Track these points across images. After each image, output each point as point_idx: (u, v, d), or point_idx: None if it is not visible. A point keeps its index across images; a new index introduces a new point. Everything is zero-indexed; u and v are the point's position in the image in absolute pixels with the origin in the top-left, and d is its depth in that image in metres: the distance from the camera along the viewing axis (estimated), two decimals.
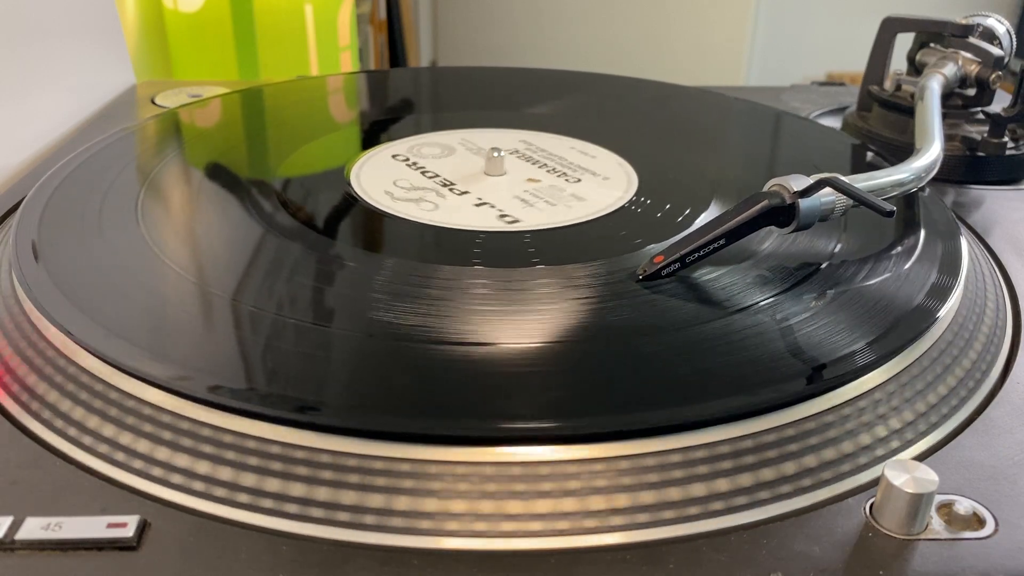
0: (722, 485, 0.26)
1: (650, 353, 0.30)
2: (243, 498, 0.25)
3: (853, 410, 0.28)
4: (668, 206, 0.42)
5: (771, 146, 0.54)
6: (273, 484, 0.25)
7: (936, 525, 0.25)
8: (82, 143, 0.49)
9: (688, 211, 0.41)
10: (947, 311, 0.33)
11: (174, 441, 0.26)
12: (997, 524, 0.25)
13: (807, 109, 0.63)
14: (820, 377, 0.29)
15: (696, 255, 0.34)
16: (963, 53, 0.52)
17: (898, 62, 0.56)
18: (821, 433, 0.28)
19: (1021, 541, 0.24)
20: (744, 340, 0.30)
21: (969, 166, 0.51)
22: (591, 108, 0.58)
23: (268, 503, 0.25)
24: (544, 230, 0.39)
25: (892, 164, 0.41)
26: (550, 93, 0.61)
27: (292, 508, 0.25)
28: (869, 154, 0.51)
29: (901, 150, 0.49)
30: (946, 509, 0.25)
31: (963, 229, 0.40)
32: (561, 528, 0.25)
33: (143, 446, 0.27)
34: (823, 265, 0.36)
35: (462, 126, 0.53)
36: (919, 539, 0.24)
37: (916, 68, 0.55)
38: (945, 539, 0.24)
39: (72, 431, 0.28)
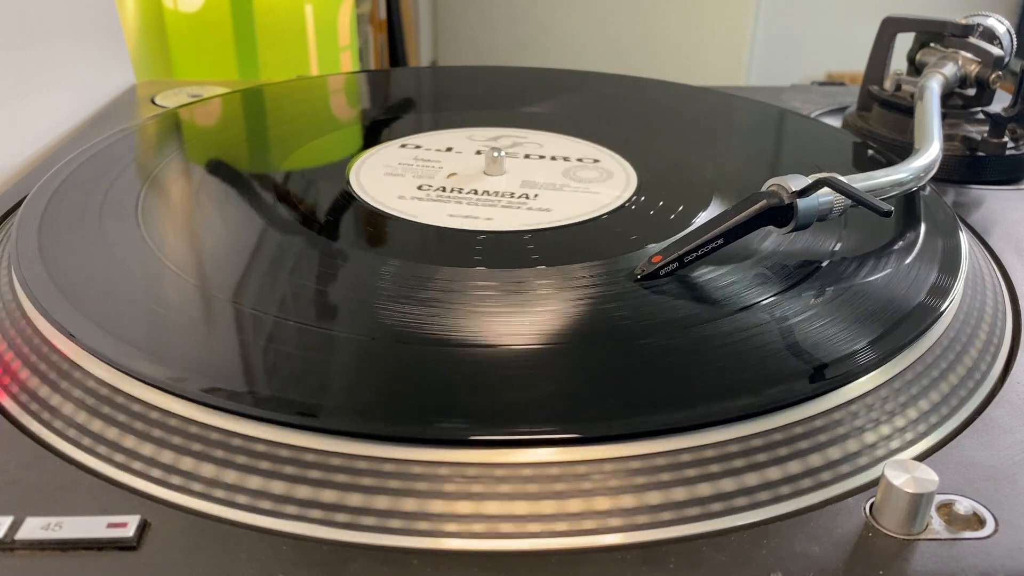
0: (723, 485, 0.26)
1: (649, 354, 0.30)
2: (243, 499, 0.25)
3: (853, 410, 0.28)
4: (668, 205, 0.42)
5: (771, 145, 0.54)
6: (274, 485, 0.25)
7: (936, 525, 0.25)
8: (82, 143, 0.49)
9: (688, 210, 0.41)
10: (947, 311, 0.33)
11: (174, 442, 0.26)
12: (997, 524, 0.25)
13: (807, 109, 0.63)
14: (820, 377, 0.29)
15: (694, 255, 0.34)
16: (963, 53, 0.52)
17: (898, 62, 0.56)
18: (821, 433, 0.28)
19: (1021, 541, 0.24)
20: (744, 340, 0.30)
21: (969, 166, 0.51)
22: (591, 107, 0.58)
23: (269, 504, 0.25)
24: (544, 229, 0.39)
25: (892, 164, 0.41)
26: (550, 93, 0.61)
27: (292, 509, 0.25)
28: (869, 152, 0.51)
29: (901, 150, 0.49)
30: (946, 509, 0.25)
31: (963, 229, 0.40)
32: (562, 529, 0.25)
33: (143, 447, 0.27)
34: (823, 264, 0.36)
35: (462, 125, 0.53)
36: (919, 539, 0.24)
37: (916, 68, 0.55)
38: (945, 539, 0.24)
39: (72, 431, 0.28)
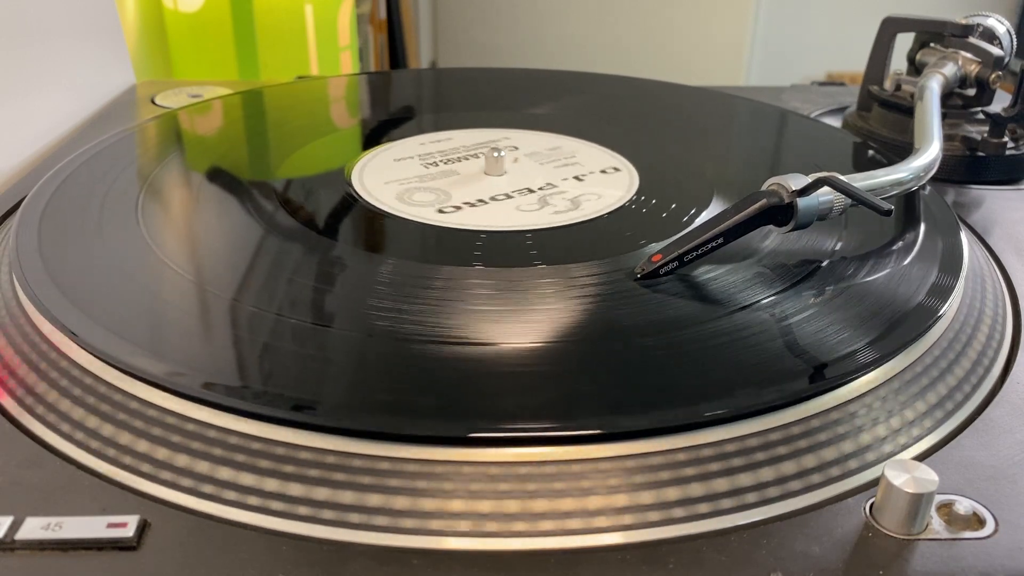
0: (722, 485, 0.26)
1: (649, 353, 0.30)
2: (243, 498, 0.25)
3: (853, 410, 0.28)
4: (669, 205, 0.42)
5: (772, 145, 0.54)
6: (273, 484, 0.25)
7: (936, 525, 0.25)
8: (82, 143, 0.49)
9: (688, 210, 0.41)
10: (947, 311, 0.33)
11: (174, 441, 0.26)
12: (997, 524, 0.25)
13: (807, 109, 0.63)
14: (820, 377, 0.29)
15: (694, 254, 0.34)
16: (963, 53, 0.52)
17: (898, 62, 0.56)
18: (821, 433, 0.28)
19: (1021, 541, 0.24)
20: (743, 339, 0.30)
21: (969, 166, 0.51)
22: (591, 108, 0.58)
23: (268, 503, 0.25)
24: (544, 229, 0.39)
25: (892, 163, 0.41)
26: (550, 93, 0.61)
27: (292, 508, 0.25)
28: (869, 152, 0.51)
29: (901, 150, 0.49)
30: (946, 509, 0.25)
31: (963, 229, 0.40)
32: (561, 528, 0.25)
33: (143, 445, 0.27)
34: (823, 263, 0.36)
35: (462, 126, 0.53)
36: (919, 539, 0.24)
37: (916, 68, 0.55)
38: (945, 539, 0.24)
39: (72, 431, 0.28)
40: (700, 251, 0.34)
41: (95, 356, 0.29)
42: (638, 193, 0.43)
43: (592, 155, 0.49)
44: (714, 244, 0.34)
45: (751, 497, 0.26)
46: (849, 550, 0.24)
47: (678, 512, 0.25)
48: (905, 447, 0.28)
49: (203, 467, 0.26)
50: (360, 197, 0.42)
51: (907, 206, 0.42)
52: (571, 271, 0.35)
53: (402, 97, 0.63)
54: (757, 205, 0.35)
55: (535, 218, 0.40)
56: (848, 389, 0.29)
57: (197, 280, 0.34)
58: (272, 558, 0.23)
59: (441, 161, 0.47)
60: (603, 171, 0.46)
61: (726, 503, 0.25)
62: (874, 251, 0.37)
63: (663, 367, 0.29)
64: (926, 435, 0.29)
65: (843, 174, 0.35)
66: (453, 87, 0.66)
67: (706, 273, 0.35)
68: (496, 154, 0.45)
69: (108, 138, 0.48)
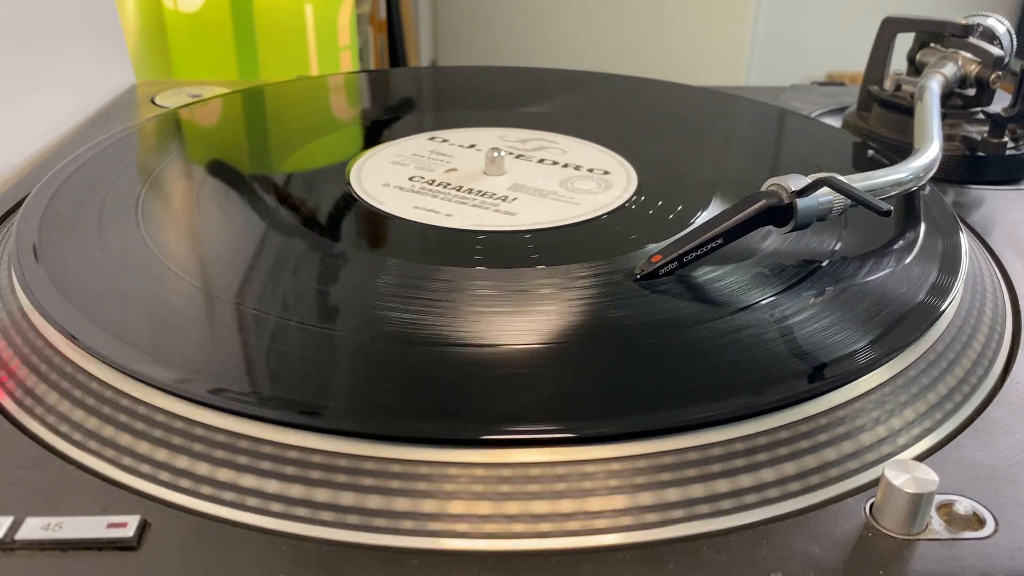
0: (722, 485, 0.26)
1: (649, 353, 0.30)
2: (243, 499, 0.25)
3: (853, 410, 0.29)
4: (668, 205, 0.42)
5: (771, 145, 0.54)
6: (273, 485, 0.25)
7: (936, 525, 0.25)
8: (82, 143, 0.49)
9: (688, 210, 0.41)
10: (947, 311, 0.33)
11: (175, 442, 0.26)
12: (997, 524, 0.25)
13: (807, 109, 0.63)
14: (820, 377, 0.29)
15: (694, 254, 0.34)
16: (963, 53, 0.52)
17: (898, 62, 0.56)
18: (821, 433, 0.28)
19: (1021, 541, 0.24)
20: (743, 340, 0.30)
21: (969, 166, 0.51)
22: (591, 108, 0.58)
23: (268, 504, 0.25)
24: (544, 230, 0.39)
25: (892, 164, 0.41)
26: (550, 93, 0.61)
27: (292, 509, 0.25)
28: (869, 152, 0.51)
29: (901, 150, 0.49)
30: (946, 509, 0.25)
31: (963, 229, 0.40)
32: (561, 528, 0.25)
33: (143, 447, 0.27)
34: (823, 264, 0.36)
35: (462, 125, 0.53)
36: (919, 539, 0.24)
37: (916, 68, 0.55)
38: (945, 539, 0.24)
39: (72, 432, 0.28)
40: (700, 252, 0.34)
41: (94, 357, 0.29)
42: (637, 193, 0.43)
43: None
44: (714, 245, 0.34)
45: (751, 498, 0.26)
46: (849, 550, 0.24)
47: (678, 513, 0.25)
48: (905, 447, 0.28)
49: (203, 468, 0.26)
50: (360, 197, 0.42)
51: (907, 206, 0.42)
52: (570, 271, 0.35)
53: (402, 96, 0.63)
54: (757, 206, 0.35)
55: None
56: (848, 389, 0.29)
57: (197, 282, 0.34)
58: (272, 558, 0.23)
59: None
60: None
61: (726, 504, 0.25)
62: (874, 251, 0.37)
63: (663, 368, 0.29)
64: (926, 435, 0.29)
65: (843, 174, 0.35)
66: (453, 86, 0.66)
67: (706, 274, 0.35)
68: (496, 154, 0.45)
69: (108, 137, 0.48)
